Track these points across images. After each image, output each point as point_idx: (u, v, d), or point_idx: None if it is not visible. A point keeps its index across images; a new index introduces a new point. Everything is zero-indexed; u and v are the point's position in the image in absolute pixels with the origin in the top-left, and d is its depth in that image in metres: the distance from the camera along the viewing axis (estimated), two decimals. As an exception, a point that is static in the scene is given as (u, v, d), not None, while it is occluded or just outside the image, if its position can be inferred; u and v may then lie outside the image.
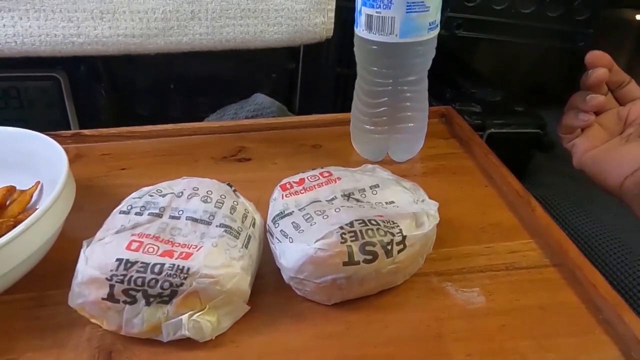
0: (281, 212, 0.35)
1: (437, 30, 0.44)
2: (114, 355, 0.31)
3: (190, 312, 0.30)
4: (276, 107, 0.60)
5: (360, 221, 0.33)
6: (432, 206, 0.36)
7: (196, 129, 0.56)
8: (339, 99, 0.69)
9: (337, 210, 0.34)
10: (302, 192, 0.36)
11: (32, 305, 0.35)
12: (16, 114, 0.62)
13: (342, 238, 0.32)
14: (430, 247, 0.36)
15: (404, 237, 0.33)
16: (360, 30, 0.44)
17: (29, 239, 0.33)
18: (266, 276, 0.36)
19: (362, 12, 0.43)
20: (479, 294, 0.35)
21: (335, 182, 0.37)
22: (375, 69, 0.45)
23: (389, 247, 0.32)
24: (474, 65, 0.79)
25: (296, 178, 0.38)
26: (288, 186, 0.37)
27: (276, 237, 0.34)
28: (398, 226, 0.33)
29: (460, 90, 0.72)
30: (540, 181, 0.69)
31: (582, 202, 0.65)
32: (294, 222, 0.33)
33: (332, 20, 0.56)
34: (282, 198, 0.36)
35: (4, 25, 0.49)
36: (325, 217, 0.33)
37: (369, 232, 0.32)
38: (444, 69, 0.77)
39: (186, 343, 0.31)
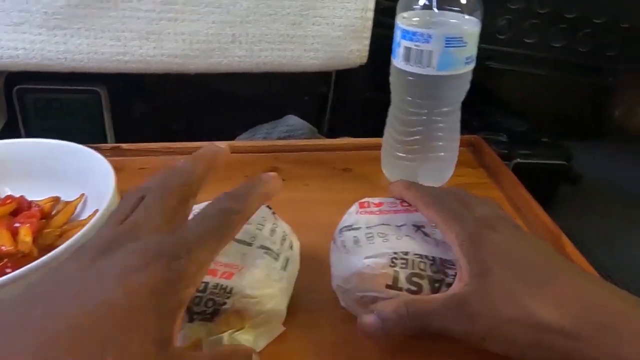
0: (349, 226, 0.36)
1: (473, 64, 0.45)
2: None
3: (230, 331, 0.31)
4: (307, 129, 0.62)
5: (417, 254, 0.33)
6: None
7: (231, 147, 0.57)
8: (369, 123, 0.71)
9: (398, 237, 0.34)
10: (376, 213, 0.37)
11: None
12: (57, 124, 0.64)
13: (392, 262, 0.32)
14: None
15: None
16: (397, 62, 0.45)
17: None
18: (300, 296, 0.37)
19: (401, 44, 0.44)
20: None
21: (412, 212, 0.38)
22: (410, 99, 0.47)
23: (437, 285, 0.32)
24: (502, 95, 0.80)
25: (376, 200, 0.39)
26: (366, 205, 0.38)
27: (336, 246, 0.35)
28: (455, 270, 0.33)
29: (487, 119, 0.72)
30: (566, 214, 0.70)
31: (608, 238, 0.65)
32: (355, 236, 0.35)
33: (367, 48, 0.58)
34: (356, 214, 0.37)
35: (56, 42, 0.51)
36: (385, 240, 0.34)
37: (422, 264, 0.33)
38: (472, 98, 0.78)
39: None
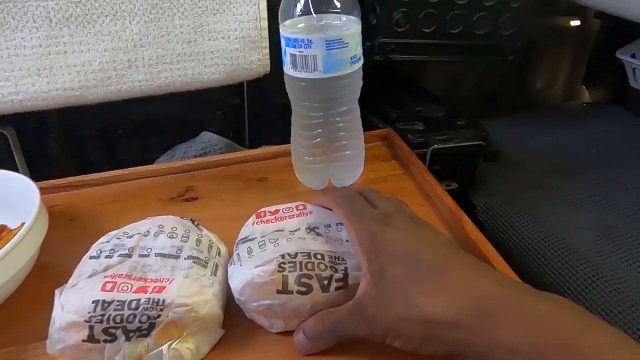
0: (245, 237, 0.37)
1: (360, 63, 0.46)
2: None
3: (169, 342, 0.31)
4: (224, 143, 0.61)
5: (305, 253, 0.34)
6: None
7: (145, 172, 0.57)
8: (288, 128, 0.71)
9: (288, 240, 0.35)
10: (272, 221, 0.38)
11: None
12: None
13: (280, 267, 0.33)
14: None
15: (346, 275, 0.34)
16: (287, 69, 0.46)
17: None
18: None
19: (287, 52, 0.45)
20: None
21: (306, 215, 0.39)
22: (307, 103, 0.47)
23: (326, 282, 0.34)
24: (417, 84, 0.82)
25: (272, 208, 0.40)
26: (262, 215, 0.39)
27: (232, 260, 0.36)
28: (345, 264, 0.35)
29: (404, 110, 0.74)
30: (488, 190, 0.72)
31: (528, 207, 0.67)
32: (249, 247, 0.35)
33: (268, 57, 0.58)
34: (253, 225, 0.38)
35: (-59, 91, 0.50)
36: (276, 245, 0.35)
37: (309, 264, 0.34)
38: (390, 90, 0.80)
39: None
